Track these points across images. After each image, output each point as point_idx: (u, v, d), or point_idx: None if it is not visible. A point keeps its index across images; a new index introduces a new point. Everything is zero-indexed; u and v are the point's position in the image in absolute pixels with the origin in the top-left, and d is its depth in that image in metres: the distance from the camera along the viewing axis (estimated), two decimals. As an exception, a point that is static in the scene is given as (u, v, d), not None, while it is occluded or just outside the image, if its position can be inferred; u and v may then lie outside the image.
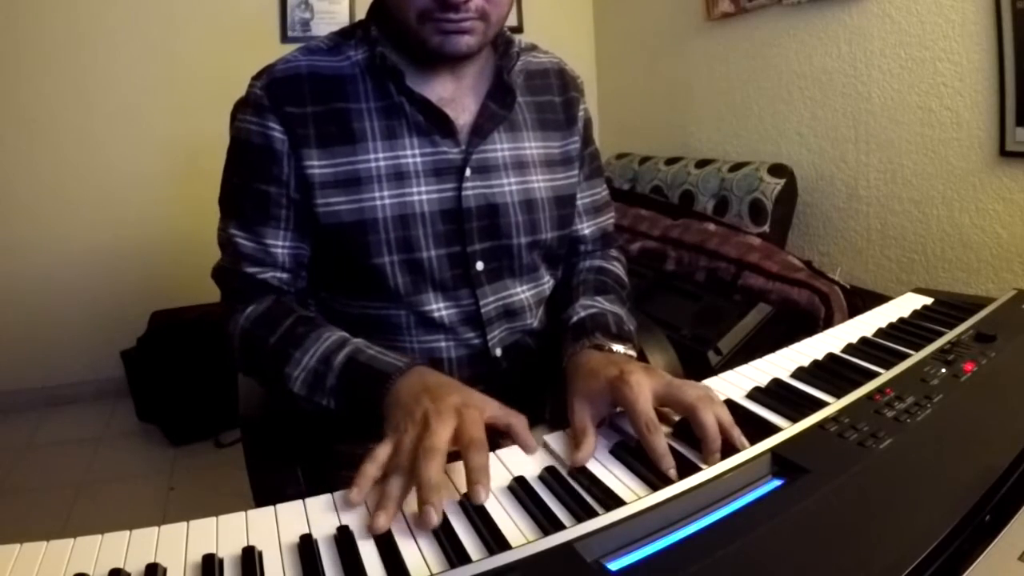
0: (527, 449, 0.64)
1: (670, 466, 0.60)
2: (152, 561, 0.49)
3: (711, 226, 2.04)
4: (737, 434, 0.62)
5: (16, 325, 2.54)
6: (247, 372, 0.85)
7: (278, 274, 0.81)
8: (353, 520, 0.55)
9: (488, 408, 0.65)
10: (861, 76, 1.93)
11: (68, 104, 2.48)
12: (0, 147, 2.43)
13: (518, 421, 0.65)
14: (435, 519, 0.53)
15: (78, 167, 2.52)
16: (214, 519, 0.55)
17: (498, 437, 0.87)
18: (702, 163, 2.41)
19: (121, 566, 0.49)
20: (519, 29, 2.95)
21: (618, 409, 0.68)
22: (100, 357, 2.56)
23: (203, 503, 1.91)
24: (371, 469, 0.59)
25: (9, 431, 2.41)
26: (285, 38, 2.68)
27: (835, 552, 0.46)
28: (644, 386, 0.65)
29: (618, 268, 0.98)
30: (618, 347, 0.77)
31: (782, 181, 2.09)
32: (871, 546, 0.46)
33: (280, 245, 0.81)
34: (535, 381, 0.91)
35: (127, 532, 0.53)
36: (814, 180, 2.13)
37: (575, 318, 0.84)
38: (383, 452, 0.60)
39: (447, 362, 0.84)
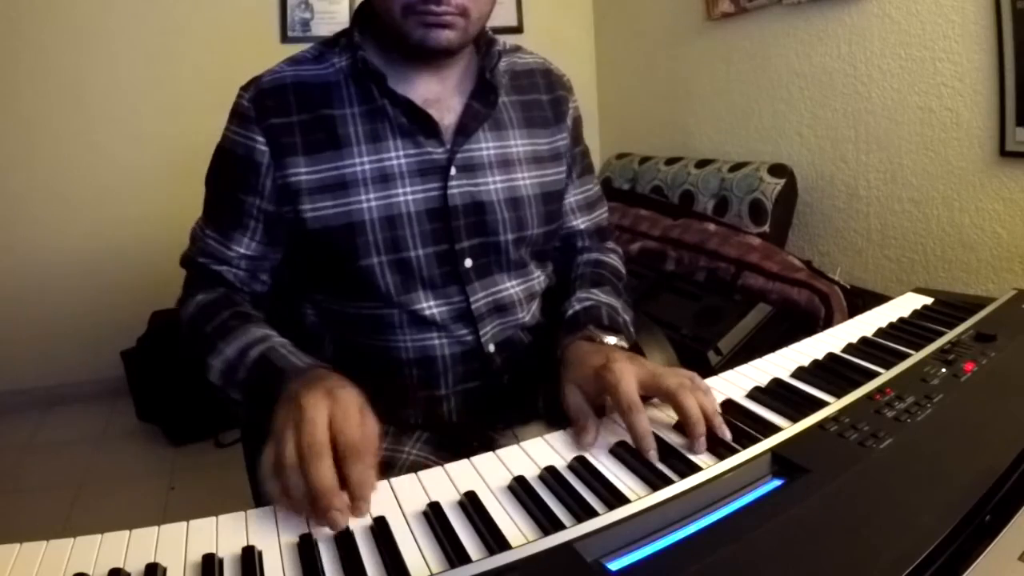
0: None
1: (651, 447, 0.61)
2: (152, 561, 0.49)
3: (711, 226, 2.04)
4: (718, 422, 0.64)
5: (16, 325, 2.54)
6: (188, 360, 0.83)
7: (233, 270, 0.85)
8: (355, 521, 0.55)
9: (357, 411, 0.61)
10: (861, 76, 1.93)
11: (68, 104, 2.48)
12: (0, 147, 2.43)
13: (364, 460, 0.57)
14: (343, 522, 0.52)
15: (78, 167, 2.53)
16: (214, 519, 0.55)
17: (496, 435, 0.88)
18: (702, 163, 2.41)
19: (121, 566, 0.49)
20: (519, 29, 2.95)
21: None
22: (100, 357, 2.56)
23: (203, 503, 1.91)
24: (270, 482, 0.56)
25: (9, 431, 2.41)
26: (285, 38, 2.68)
27: (835, 552, 0.46)
28: (626, 372, 0.66)
29: (614, 259, 1.01)
30: (609, 338, 0.79)
31: (782, 181, 2.09)
32: (871, 546, 0.46)
33: (242, 251, 0.84)
34: (529, 376, 0.91)
35: (127, 532, 0.53)
36: (814, 180, 2.12)
37: (570, 311, 0.87)
38: (267, 458, 0.58)
39: (441, 360, 0.85)
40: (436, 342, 0.85)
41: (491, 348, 0.87)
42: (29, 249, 2.52)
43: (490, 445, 0.73)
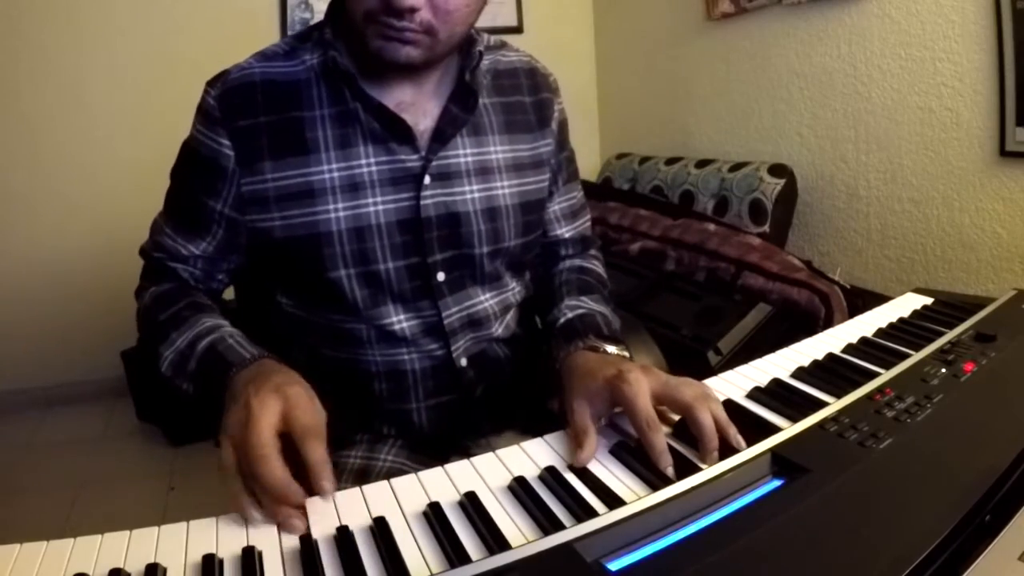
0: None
1: (668, 464, 0.60)
2: (152, 561, 0.49)
3: (711, 226, 2.04)
4: (733, 432, 0.62)
5: (16, 325, 2.53)
6: (145, 351, 0.82)
7: (189, 268, 0.83)
8: (355, 521, 0.55)
9: (308, 401, 0.61)
10: (861, 76, 1.93)
11: (68, 104, 2.47)
12: (0, 147, 2.43)
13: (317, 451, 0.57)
14: (300, 526, 0.52)
15: (78, 166, 2.52)
16: (214, 519, 0.55)
17: (470, 445, 0.87)
18: (702, 163, 2.41)
19: (121, 566, 0.49)
20: (519, 29, 2.95)
21: (617, 409, 0.68)
22: (100, 357, 2.56)
23: (203, 503, 1.90)
24: (231, 483, 0.56)
25: (9, 431, 2.41)
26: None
27: (835, 552, 0.46)
28: (643, 384, 0.64)
29: (598, 267, 0.97)
30: (611, 348, 0.77)
31: (782, 181, 2.09)
32: (871, 546, 0.46)
33: (198, 253, 0.82)
34: (502, 389, 0.89)
35: (127, 532, 0.53)
36: (814, 180, 2.13)
37: (563, 319, 0.84)
38: (225, 457, 0.58)
39: (411, 374, 0.83)
40: (406, 356, 0.82)
41: (463, 362, 0.84)
42: (29, 248, 2.52)
43: (465, 454, 0.72)
